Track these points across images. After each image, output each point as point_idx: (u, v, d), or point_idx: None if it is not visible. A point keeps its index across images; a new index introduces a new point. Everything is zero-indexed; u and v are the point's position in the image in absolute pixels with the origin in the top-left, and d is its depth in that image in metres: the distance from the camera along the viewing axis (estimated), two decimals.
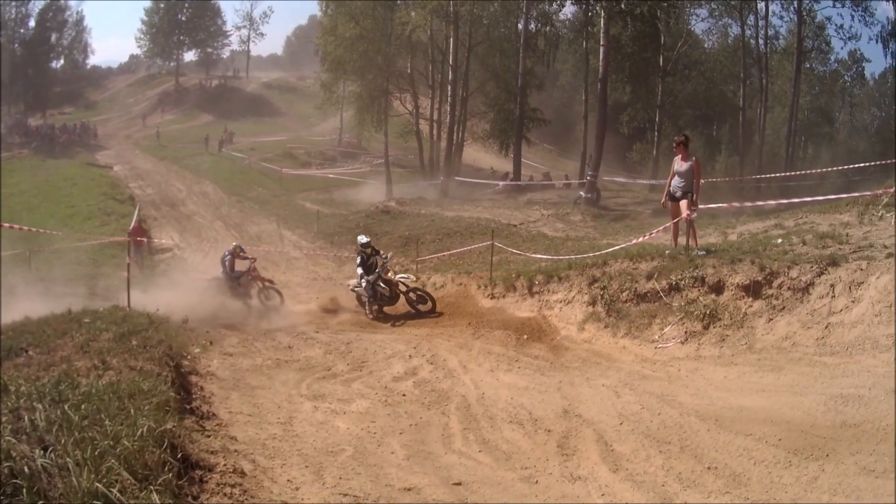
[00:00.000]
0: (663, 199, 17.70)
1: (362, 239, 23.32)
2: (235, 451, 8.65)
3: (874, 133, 67.78)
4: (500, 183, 52.65)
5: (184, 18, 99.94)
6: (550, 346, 16.04)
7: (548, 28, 54.75)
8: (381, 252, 23.46)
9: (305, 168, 65.68)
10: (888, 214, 18.65)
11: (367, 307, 22.44)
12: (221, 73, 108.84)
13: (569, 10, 64.35)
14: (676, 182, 16.98)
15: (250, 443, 9.24)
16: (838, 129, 69.67)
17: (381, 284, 22.13)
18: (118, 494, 5.53)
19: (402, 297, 22.31)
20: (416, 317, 21.36)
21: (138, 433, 6.64)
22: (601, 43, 46.31)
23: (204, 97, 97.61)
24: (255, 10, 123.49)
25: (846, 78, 70.66)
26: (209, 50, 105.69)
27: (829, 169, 41.99)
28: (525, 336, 16.76)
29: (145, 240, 34.19)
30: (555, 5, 54.32)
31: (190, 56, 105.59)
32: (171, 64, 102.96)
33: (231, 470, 7.61)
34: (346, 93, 60.35)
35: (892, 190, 19.64)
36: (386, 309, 22.43)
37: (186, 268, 31.73)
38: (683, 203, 16.67)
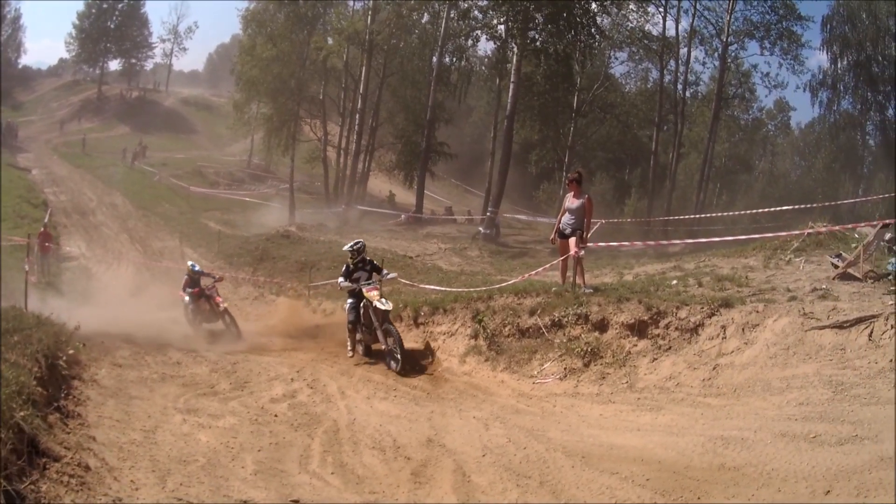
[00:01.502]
0: (552, 236, 17.53)
1: (347, 246, 18.74)
2: (89, 448, 8.86)
3: (794, 182, 68.39)
4: (403, 215, 52.54)
5: (112, 26, 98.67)
6: (430, 376, 15.77)
7: (462, 63, 55.16)
8: (385, 271, 18.67)
9: (213, 187, 65.30)
10: (796, 259, 18.59)
11: (348, 339, 18.22)
12: (143, 84, 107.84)
13: (488, 47, 64.72)
14: (567, 219, 16.77)
15: (108, 444, 9.41)
16: (757, 177, 70.31)
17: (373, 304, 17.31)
18: None
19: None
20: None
21: None
22: (511, 80, 46.87)
23: (123, 108, 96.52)
24: (180, 25, 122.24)
25: (770, 127, 71.56)
26: (133, 60, 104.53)
27: (739, 213, 41.90)
28: (407, 366, 16.38)
29: (52, 246, 34.27)
30: (470, 41, 54.30)
31: (115, 65, 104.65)
32: (96, 71, 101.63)
33: (76, 463, 7.96)
34: (258, 114, 60.24)
35: (807, 231, 19.68)
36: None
37: (91, 277, 32.67)
38: (572, 240, 16.41)
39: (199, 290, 22.42)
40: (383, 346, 16.90)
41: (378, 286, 17.84)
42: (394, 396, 14.01)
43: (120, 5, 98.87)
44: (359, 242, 18.58)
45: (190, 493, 8.24)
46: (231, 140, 79.17)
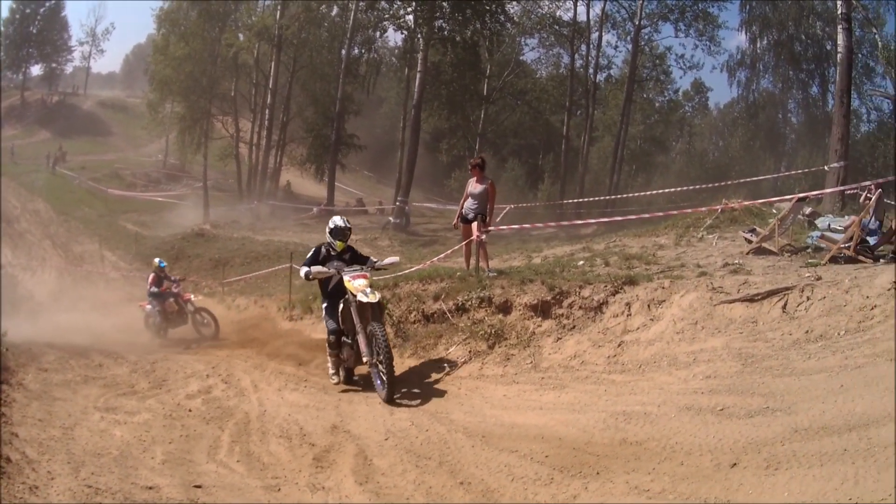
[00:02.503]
0: (455, 221, 17.64)
1: (337, 221, 13.69)
2: (11, 444, 9.33)
3: (711, 161, 68.82)
4: (315, 208, 53.44)
5: (34, 31, 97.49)
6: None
7: (371, 54, 56.41)
8: (375, 259, 13.86)
9: (130, 189, 65.64)
10: (709, 236, 18.87)
11: (329, 358, 13.73)
12: (63, 88, 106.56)
13: (397, 37, 65.34)
14: (469, 204, 16.88)
15: (29, 440, 9.83)
16: (674, 158, 70.77)
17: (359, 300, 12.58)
18: None
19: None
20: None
21: None
22: (419, 69, 47.67)
23: (44, 113, 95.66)
24: (98, 26, 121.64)
25: (687, 108, 71.97)
26: (54, 65, 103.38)
27: (653, 192, 42.25)
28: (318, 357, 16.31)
29: None
30: (378, 32, 55.63)
31: (37, 70, 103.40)
32: (19, 77, 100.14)
33: None
34: (171, 114, 59.68)
35: (720, 208, 20.42)
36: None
37: (17, 285, 33.70)
38: (475, 225, 16.51)
39: (165, 288, 21.91)
40: (365, 359, 12.53)
41: (367, 274, 13.06)
42: (304, 387, 14.00)
43: (42, 9, 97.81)
44: (343, 223, 13.66)
45: (100, 481, 8.53)
46: (147, 141, 79.12)
